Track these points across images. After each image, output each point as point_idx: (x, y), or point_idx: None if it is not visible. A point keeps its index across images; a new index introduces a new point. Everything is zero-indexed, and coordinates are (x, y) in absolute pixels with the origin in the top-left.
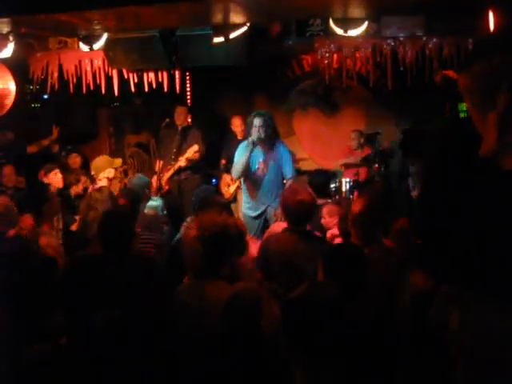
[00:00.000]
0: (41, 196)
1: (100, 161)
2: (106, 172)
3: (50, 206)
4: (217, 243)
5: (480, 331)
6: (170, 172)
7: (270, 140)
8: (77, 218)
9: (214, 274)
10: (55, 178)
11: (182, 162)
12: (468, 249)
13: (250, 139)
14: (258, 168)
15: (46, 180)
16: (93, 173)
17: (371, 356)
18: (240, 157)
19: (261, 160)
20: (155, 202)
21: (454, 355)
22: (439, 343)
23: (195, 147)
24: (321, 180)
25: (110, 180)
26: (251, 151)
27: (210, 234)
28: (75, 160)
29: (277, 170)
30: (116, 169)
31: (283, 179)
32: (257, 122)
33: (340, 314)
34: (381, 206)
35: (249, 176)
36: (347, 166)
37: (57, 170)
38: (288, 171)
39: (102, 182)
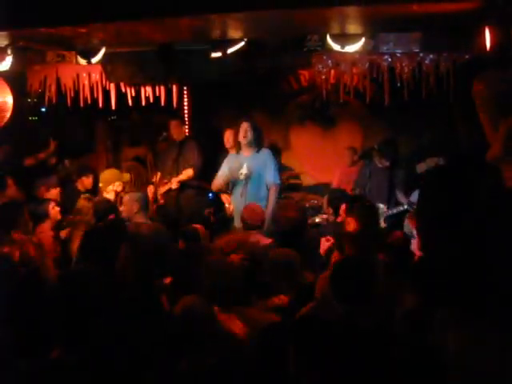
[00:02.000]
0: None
1: (109, 174)
2: (115, 185)
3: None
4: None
5: (480, 353)
6: (166, 188)
7: (256, 145)
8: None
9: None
10: (54, 195)
11: (174, 184)
12: (468, 271)
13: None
14: (241, 175)
15: (47, 195)
16: (101, 185)
17: (375, 371)
18: (222, 170)
19: (244, 166)
20: None
21: (453, 378)
22: (437, 364)
23: (189, 171)
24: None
25: (116, 193)
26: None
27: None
28: (89, 181)
29: (259, 177)
30: (124, 183)
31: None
32: (244, 124)
33: (350, 331)
34: (373, 221)
35: (234, 184)
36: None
37: (56, 189)
38: (271, 177)
39: (110, 195)
